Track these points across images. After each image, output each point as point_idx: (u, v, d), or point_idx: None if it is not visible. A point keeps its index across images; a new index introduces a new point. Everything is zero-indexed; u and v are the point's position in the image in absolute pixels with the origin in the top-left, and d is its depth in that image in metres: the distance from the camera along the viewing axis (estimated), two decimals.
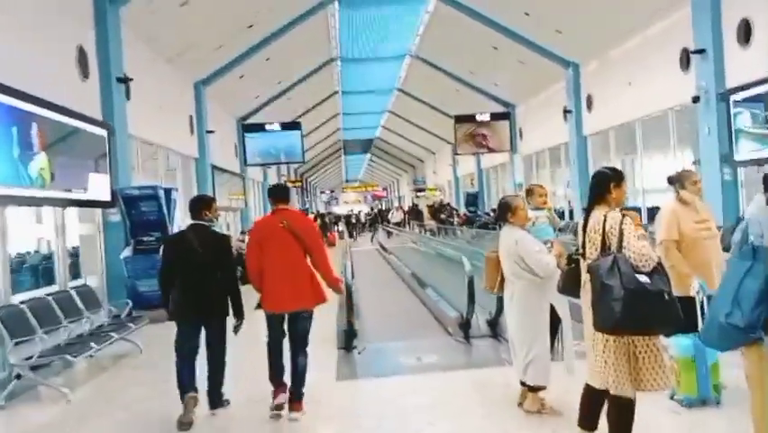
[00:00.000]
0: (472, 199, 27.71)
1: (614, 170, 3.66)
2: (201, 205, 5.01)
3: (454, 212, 29.95)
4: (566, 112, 16.63)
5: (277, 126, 22.23)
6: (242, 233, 18.71)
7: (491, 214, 24.42)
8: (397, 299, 10.70)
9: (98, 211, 9.67)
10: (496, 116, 22.14)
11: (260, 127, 22.17)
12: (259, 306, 4.83)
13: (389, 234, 29.50)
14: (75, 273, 9.82)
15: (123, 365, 7.01)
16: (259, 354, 5.05)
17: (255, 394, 5.19)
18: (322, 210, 51.17)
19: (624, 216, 3.37)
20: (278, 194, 4.95)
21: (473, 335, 6.92)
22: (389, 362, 6.30)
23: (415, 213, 34.34)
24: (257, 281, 4.79)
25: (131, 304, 8.34)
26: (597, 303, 3.21)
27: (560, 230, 6.46)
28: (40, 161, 7.31)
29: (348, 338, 6.82)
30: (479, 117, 22.18)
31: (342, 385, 5.71)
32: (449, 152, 33.31)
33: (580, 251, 3.55)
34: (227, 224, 19.81)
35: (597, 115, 15.49)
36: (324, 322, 7.85)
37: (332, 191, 66.04)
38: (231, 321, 4.99)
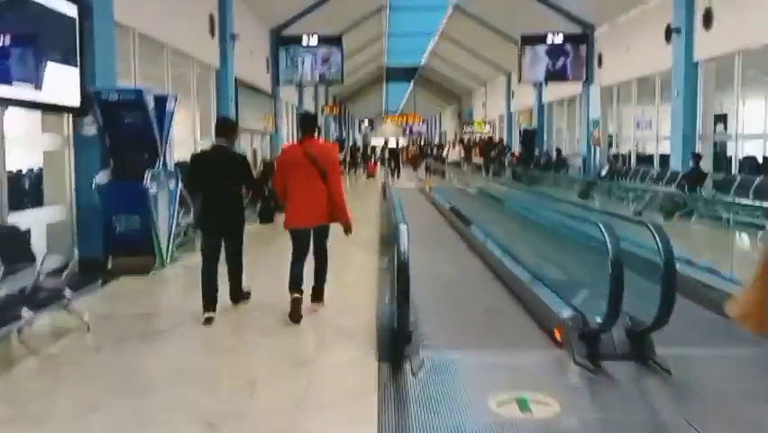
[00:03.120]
0: (529, 137, 24.60)
1: None
2: (227, 128, 5.53)
3: (507, 150, 26.97)
4: (671, 31, 13.36)
5: (315, 40, 19.37)
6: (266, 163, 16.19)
7: (555, 155, 21.46)
8: (464, 275, 7.76)
9: (67, 120, 7.19)
10: (571, 39, 18.88)
11: (296, 40, 19.34)
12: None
13: (443, 174, 26.29)
14: (37, 201, 7.49)
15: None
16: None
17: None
18: (359, 142, 48.32)
19: None
20: (305, 124, 5.51)
21: (604, 352, 4.32)
22: (469, 400, 3.72)
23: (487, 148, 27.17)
24: (282, 197, 5.46)
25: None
26: None
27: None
28: None
29: (397, 342, 4.29)
30: (550, 39, 18.95)
31: None
32: (503, 82, 29.94)
33: None
34: (253, 150, 17.31)
35: (717, 35, 12.24)
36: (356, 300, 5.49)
37: (371, 121, 62.89)
38: None
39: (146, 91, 7.20)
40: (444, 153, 30.82)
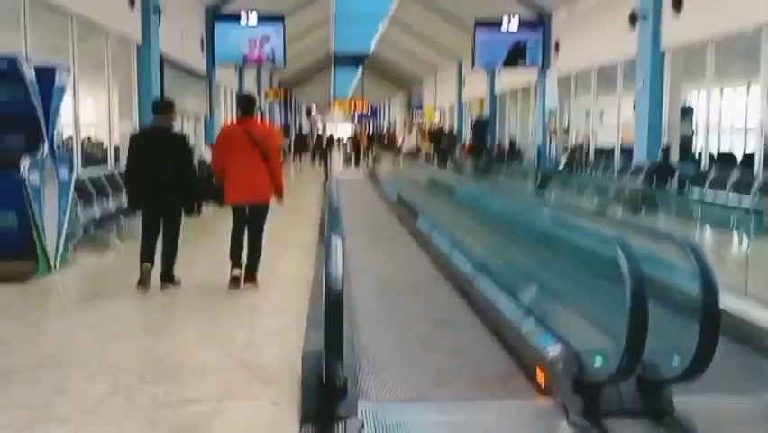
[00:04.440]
0: (481, 127, 23.71)
1: None
2: (164, 106, 5.62)
3: (458, 141, 26.05)
4: (636, 16, 12.55)
5: (254, 19, 17.85)
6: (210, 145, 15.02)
7: (508, 146, 20.61)
8: (413, 277, 6.90)
9: None
10: (527, 24, 17.99)
11: (233, 18, 17.77)
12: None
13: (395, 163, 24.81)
14: None
15: None
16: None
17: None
18: (305, 129, 46.67)
19: None
20: (245, 105, 5.69)
21: (608, 407, 3.25)
22: None
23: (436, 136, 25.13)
24: (221, 177, 5.52)
25: None
26: None
27: None
28: None
29: (326, 398, 3.10)
30: (505, 24, 18.02)
31: None
32: (454, 70, 28.99)
33: None
34: (187, 135, 15.70)
35: (687, 21, 11.45)
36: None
37: (318, 108, 61.16)
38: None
39: (22, 59, 5.73)
40: (399, 142, 28.18)
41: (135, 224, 6.47)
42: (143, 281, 5.35)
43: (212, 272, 5.98)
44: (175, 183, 5.37)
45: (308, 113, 56.02)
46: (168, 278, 5.47)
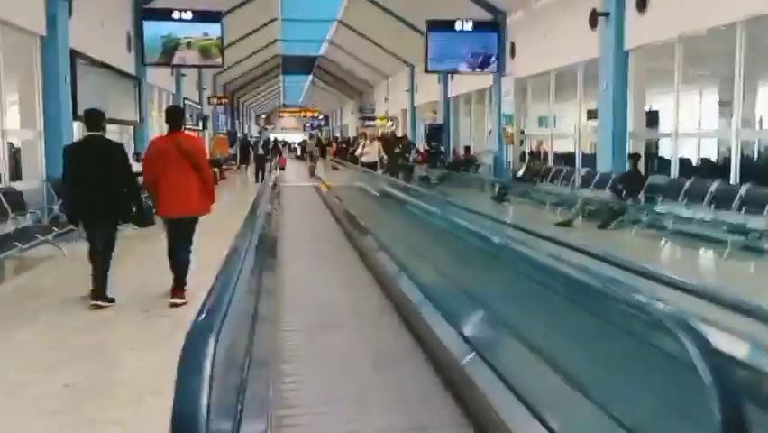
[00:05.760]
0: (435, 134, 22.72)
1: None
2: (96, 117, 5.59)
3: (413, 147, 24.93)
4: (597, 15, 11.68)
5: (189, 15, 16.37)
6: (137, 154, 13.63)
7: (463, 153, 19.61)
8: (361, 310, 5.66)
9: None
10: (481, 25, 17.06)
11: (164, 13, 16.25)
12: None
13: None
14: None
15: None
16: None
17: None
18: (255, 135, 44.87)
19: None
20: (172, 118, 5.68)
21: None
22: None
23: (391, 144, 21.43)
24: (153, 189, 5.56)
25: None
26: None
27: None
28: None
29: None
30: (459, 26, 17.05)
31: None
32: (406, 75, 28.03)
33: None
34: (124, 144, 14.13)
35: (653, 19, 10.60)
36: None
37: (267, 116, 59.49)
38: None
39: None
40: (357, 152, 24.15)
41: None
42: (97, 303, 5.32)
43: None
44: (113, 195, 5.40)
45: (258, 120, 54.34)
46: (102, 296, 5.37)
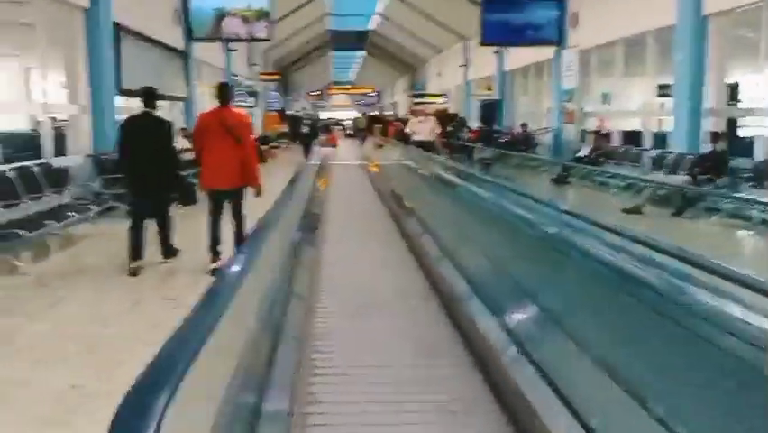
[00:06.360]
0: (489, 111, 21.76)
1: None
2: (152, 96, 6.04)
3: (463, 124, 24.01)
4: None
5: None
6: (183, 129, 13.79)
7: (521, 131, 18.61)
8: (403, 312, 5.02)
9: None
10: None
11: None
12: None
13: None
14: None
15: None
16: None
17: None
18: (308, 112, 44.52)
19: None
20: (219, 95, 5.87)
21: None
22: None
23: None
24: (199, 159, 5.90)
25: None
26: None
27: None
28: None
29: None
30: None
31: None
32: (460, 50, 27.00)
33: None
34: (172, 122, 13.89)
35: None
36: None
37: (319, 93, 59.11)
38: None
39: None
40: (408, 129, 21.77)
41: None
42: (136, 264, 5.63)
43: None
44: (164, 168, 5.81)
45: (309, 98, 53.93)
46: (169, 252, 5.97)
